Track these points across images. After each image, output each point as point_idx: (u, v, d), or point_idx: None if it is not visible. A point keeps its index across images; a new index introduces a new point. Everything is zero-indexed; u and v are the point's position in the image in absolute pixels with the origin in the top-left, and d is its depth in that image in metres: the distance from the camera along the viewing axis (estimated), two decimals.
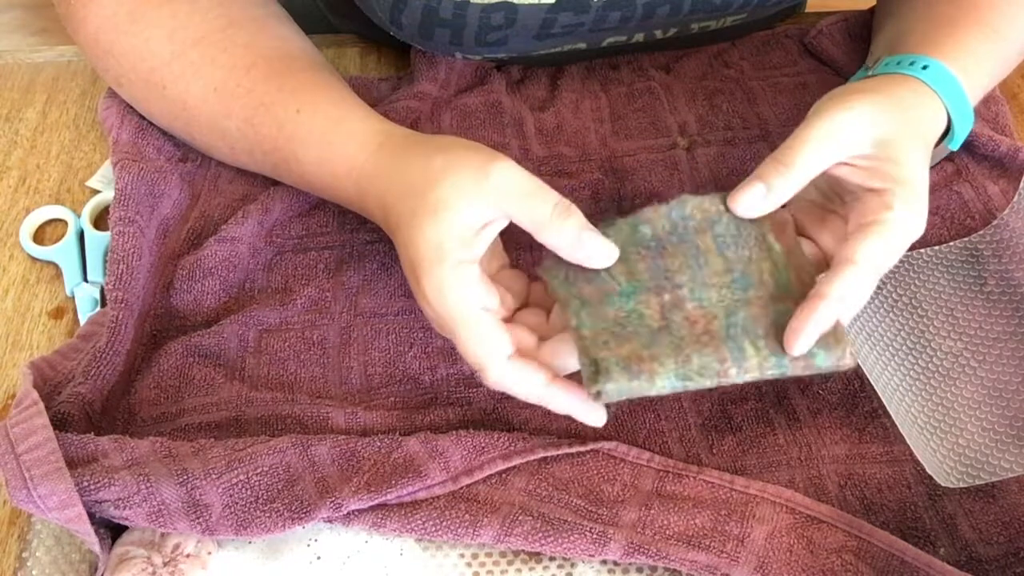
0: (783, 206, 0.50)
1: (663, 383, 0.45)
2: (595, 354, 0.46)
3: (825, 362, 0.46)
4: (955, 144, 0.57)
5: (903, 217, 0.48)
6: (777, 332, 0.46)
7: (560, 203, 0.48)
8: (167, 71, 0.60)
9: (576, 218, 0.48)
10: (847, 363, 0.46)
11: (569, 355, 0.48)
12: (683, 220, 0.50)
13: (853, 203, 0.50)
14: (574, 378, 0.48)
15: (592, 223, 0.48)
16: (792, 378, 0.55)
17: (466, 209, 0.47)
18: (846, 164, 0.50)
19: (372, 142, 0.55)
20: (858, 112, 0.49)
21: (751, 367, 0.46)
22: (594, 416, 0.49)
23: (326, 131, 0.56)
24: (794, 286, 0.48)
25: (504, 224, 0.49)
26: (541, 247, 0.49)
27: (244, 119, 0.58)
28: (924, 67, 0.54)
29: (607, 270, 0.49)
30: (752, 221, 0.50)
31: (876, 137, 0.49)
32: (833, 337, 0.46)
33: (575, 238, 0.47)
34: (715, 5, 0.64)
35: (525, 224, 0.48)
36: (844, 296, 0.46)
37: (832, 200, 0.53)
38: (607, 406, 0.54)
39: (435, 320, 0.49)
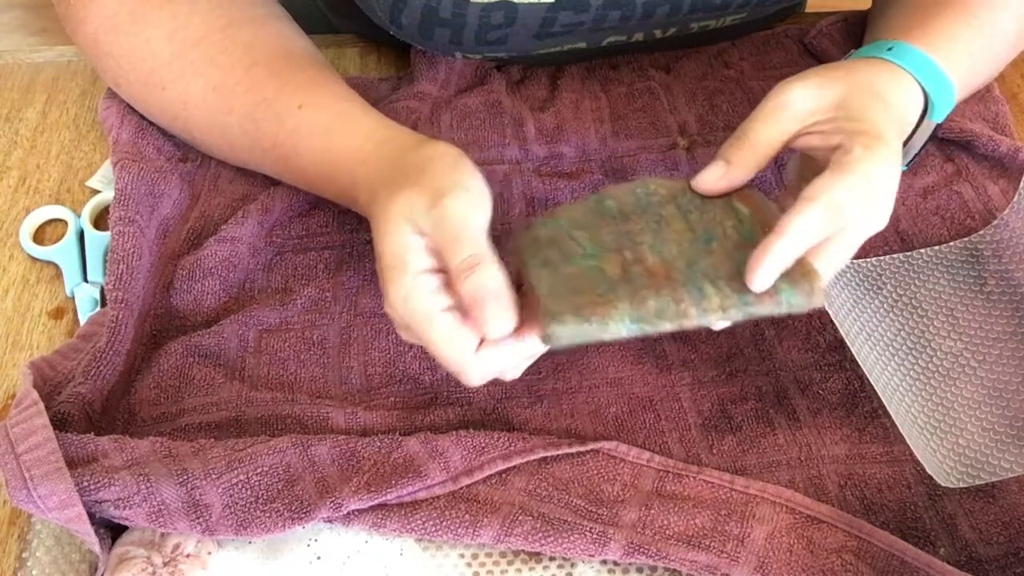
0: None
1: (617, 327, 0.45)
2: (550, 306, 0.45)
3: (792, 298, 0.45)
4: (937, 117, 0.57)
5: (862, 156, 0.48)
6: (741, 274, 0.46)
7: (469, 258, 0.46)
8: (167, 71, 0.60)
9: (476, 278, 0.46)
10: (816, 301, 0.46)
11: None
12: (647, 195, 0.51)
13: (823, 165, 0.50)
14: None
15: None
16: (792, 379, 0.55)
17: (415, 226, 0.47)
18: (809, 133, 0.51)
19: (373, 138, 0.55)
20: (806, 81, 0.51)
21: (711, 307, 0.45)
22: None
23: (328, 126, 0.56)
24: (759, 236, 0.47)
25: None
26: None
27: (245, 115, 0.59)
28: (889, 48, 0.55)
29: (572, 236, 0.49)
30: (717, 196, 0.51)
31: (830, 101, 0.50)
32: (800, 272, 0.46)
33: (471, 298, 0.46)
34: (715, 4, 0.64)
35: (440, 264, 0.47)
36: (801, 228, 0.46)
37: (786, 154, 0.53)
38: (608, 409, 0.54)
39: (404, 328, 0.49)
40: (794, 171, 0.55)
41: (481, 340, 0.47)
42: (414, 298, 0.47)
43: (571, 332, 0.45)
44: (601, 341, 0.45)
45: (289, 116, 0.57)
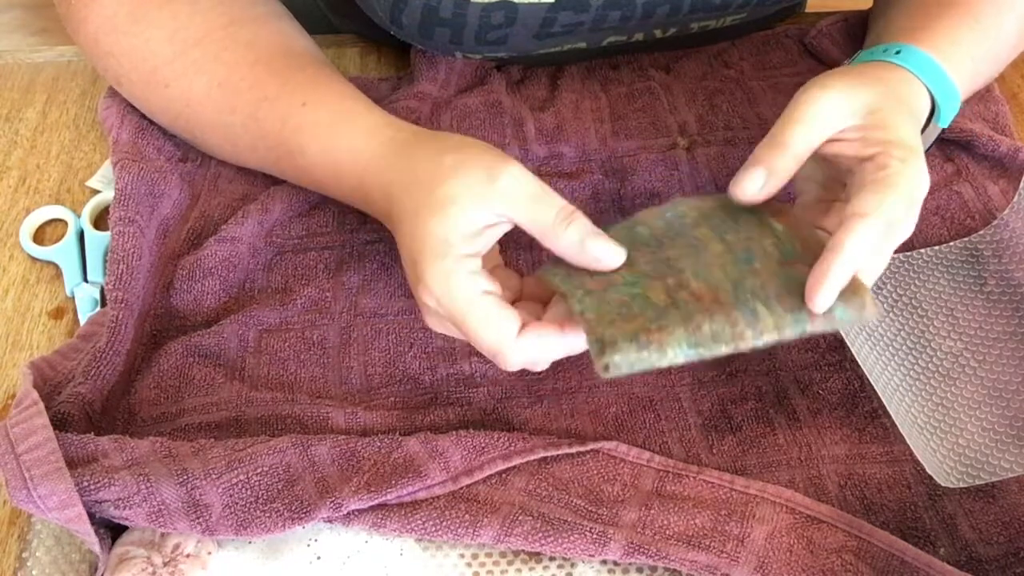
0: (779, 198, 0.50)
1: (674, 352, 0.44)
2: (601, 332, 0.45)
3: (845, 315, 0.45)
4: (943, 122, 0.57)
5: (901, 170, 0.48)
6: (790, 292, 0.46)
7: (563, 209, 0.48)
8: (169, 70, 0.60)
9: (579, 224, 0.48)
10: (869, 314, 0.45)
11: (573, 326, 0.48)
12: (678, 218, 0.50)
13: (851, 178, 0.50)
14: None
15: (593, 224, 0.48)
16: (792, 379, 0.55)
17: (473, 208, 0.47)
18: (837, 140, 0.50)
19: (380, 134, 0.55)
20: (834, 86, 0.50)
21: (766, 327, 0.45)
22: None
23: (332, 123, 0.56)
24: (801, 252, 0.47)
25: (508, 228, 0.49)
26: (541, 247, 0.49)
27: (248, 114, 0.59)
28: (897, 52, 0.55)
29: None
30: (749, 210, 0.50)
31: (860, 108, 0.50)
32: (851, 290, 0.45)
33: (579, 243, 0.48)
34: (715, 5, 0.64)
35: (530, 229, 0.48)
36: (858, 247, 0.46)
37: (833, 189, 0.53)
38: (608, 409, 0.54)
39: (438, 313, 0.49)
40: (811, 179, 0.54)
41: (522, 326, 0.48)
42: (456, 280, 0.47)
43: (630, 360, 0.44)
44: (654, 368, 0.45)
45: (292, 114, 0.57)
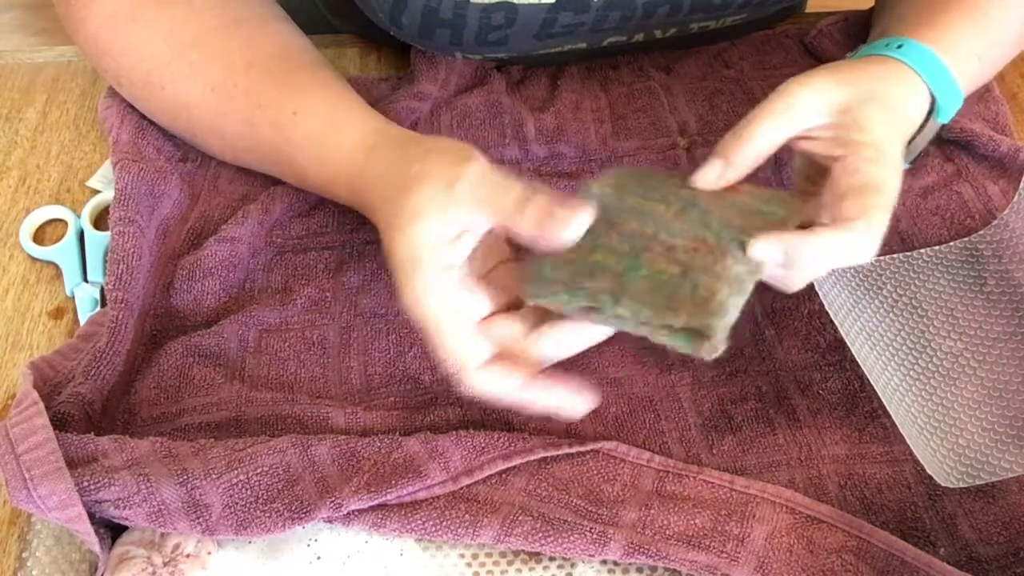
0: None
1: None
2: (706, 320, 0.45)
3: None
4: (943, 117, 0.57)
5: (872, 175, 0.48)
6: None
7: (520, 192, 0.47)
8: (166, 71, 0.60)
9: (536, 200, 0.47)
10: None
11: (555, 343, 0.48)
12: (602, 199, 0.51)
13: (826, 179, 0.50)
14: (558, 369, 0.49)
15: None
16: (792, 379, 0.55)
17: (438, 218, 0.47)
18: (808, 137, 0.51)
19: (364, 145, 0.55)
20: (813, 84, 0.51)
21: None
22: (577, 405, 0.48)
23: (322, 134, 0.56)
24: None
25: (484, 229, 0.48)
26: None
27: (242, 119, 0.59)
28: (899, 46, 0.55)
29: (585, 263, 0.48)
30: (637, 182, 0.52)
31: (833, 105, 0.50)
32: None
33: (539, 219, 0.46)
34: (715, 5, 0.64)
35: (497, 224, 0.48)
36: (836, 258, 0.48)
37: (817, 183, 0.53)
38: (608, 409, 0.54)
39: (417, 324, 0.49)
40: (798, 171, 0.55)
41: (494, 357, 0.48)
42: (429, 297, 0.47)
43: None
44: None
45: (284, 124, 0.57)
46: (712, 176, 0.51)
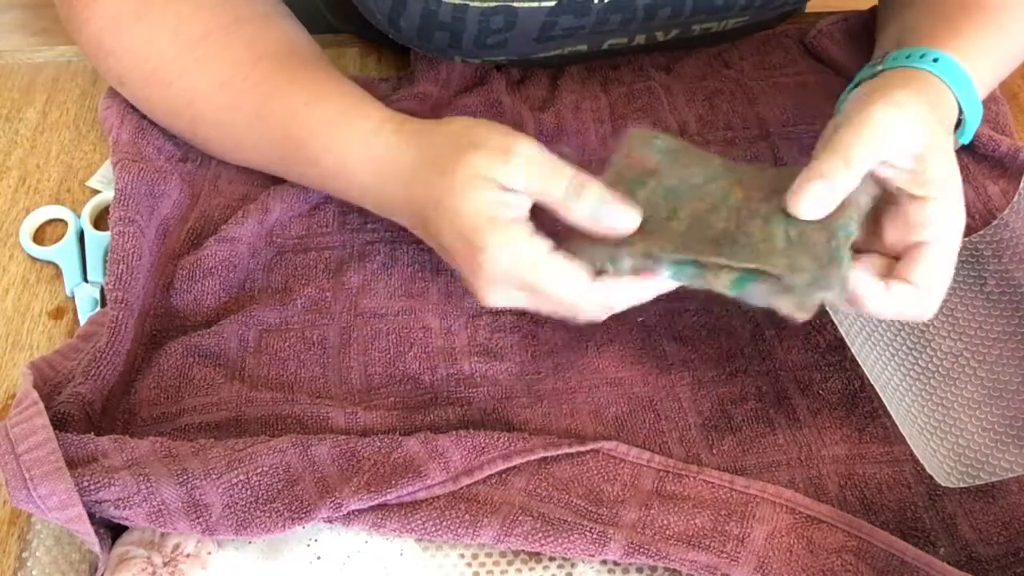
0: None
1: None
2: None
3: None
4: (965, 138, 0.57)
5: (945, 225, 0.49)
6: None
7: (574, 179, 0.48)
8: (171, 68, 0.60)
9: (590, 192, 0.48)
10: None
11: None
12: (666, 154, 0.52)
13: (894, 207, 0.50)
14: None
15: None
16: (792, 379, 0.55)
17: (499, 179, 0.48)
18: (890, 166, 0.49)
19: (388, 127, 0.55)
20: (907, 108, 0.49)
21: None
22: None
23: (337, 119, 0.56)
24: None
25: (528, 205, 0.50)
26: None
27: (251, 112, 0.59)
28: (935, 60, 0.54)
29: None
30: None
31: (922, 136, 0.49)
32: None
33: (591, 213, 0.48)
34: (716, 7, 0.64)
35: (545, 203, 0.49)
36: (896, 306, 0.48)
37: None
38: (608, 409, 0.54)
39: (505, 281, 0.49)
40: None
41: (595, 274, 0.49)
42: (519, 244, 0.48)
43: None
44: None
45: (297, 112, 0.57)
46: (815, 198, 0.47)
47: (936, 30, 0.58)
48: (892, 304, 0.48)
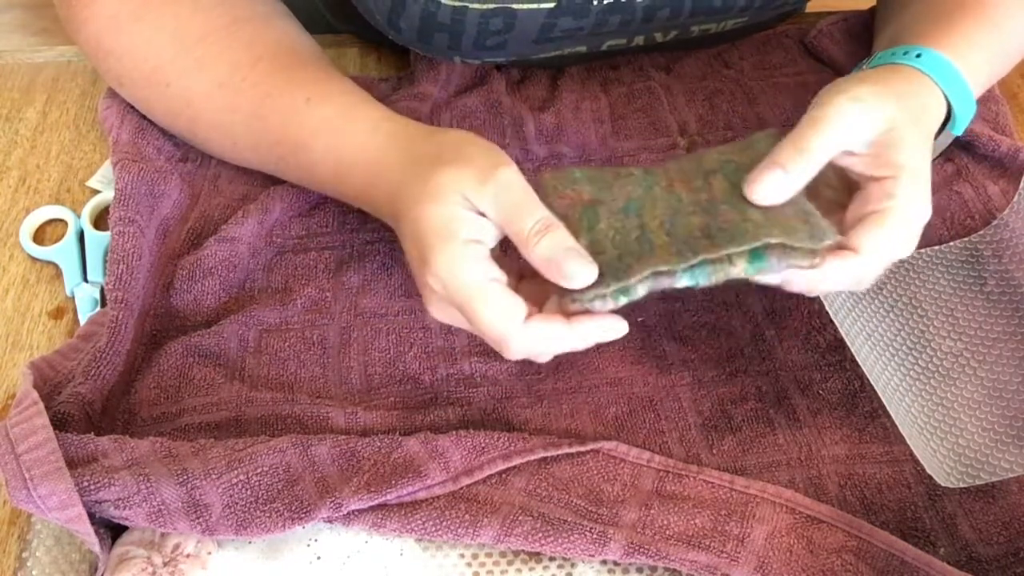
0: None
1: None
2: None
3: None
4: (957, 129, 0.57)
5: (905, 204, 0.49)
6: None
7: (541, 221, 0.47)
8: (170, 68, 0.60)
9: (550, 239, 0.47)
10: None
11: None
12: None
13: (857, 193, 0.51)
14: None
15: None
16: (792, 379, 0.55)
17: (469, 198, 0.48)
18: (850, 154, 0.50)
19: (386, 129, 0.55)
20: (865, 99, 0.50)
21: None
22: (616, 326, 0.48)
23: (336, 119, 0.56)
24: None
25: (498, 235, 0.49)
26: None
27: (250, 112, 0.59)
28: (917, 55, 0.55)
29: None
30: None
31: (881, 125, 0.50)
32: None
33: (550, 256, 0.47)
34: (715, 8, 0.64)
35: (509, 235, 0.48)
36: (842, 282, 0.48)
37: (842, 193, 0.53)
38: (608, 409, 0.54)
39: (444, 299, 0.49)
40: (823, 181, 0.54)
41: (528, 314, 0.48)
42: (462, 265, 0.47)
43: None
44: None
45: (296, 111, 0.57)
46: (773, 187, 0.48)
47: (929, 28, 0.58)
48: (825, 276, 0.48)
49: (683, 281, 0.46)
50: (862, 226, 0.49)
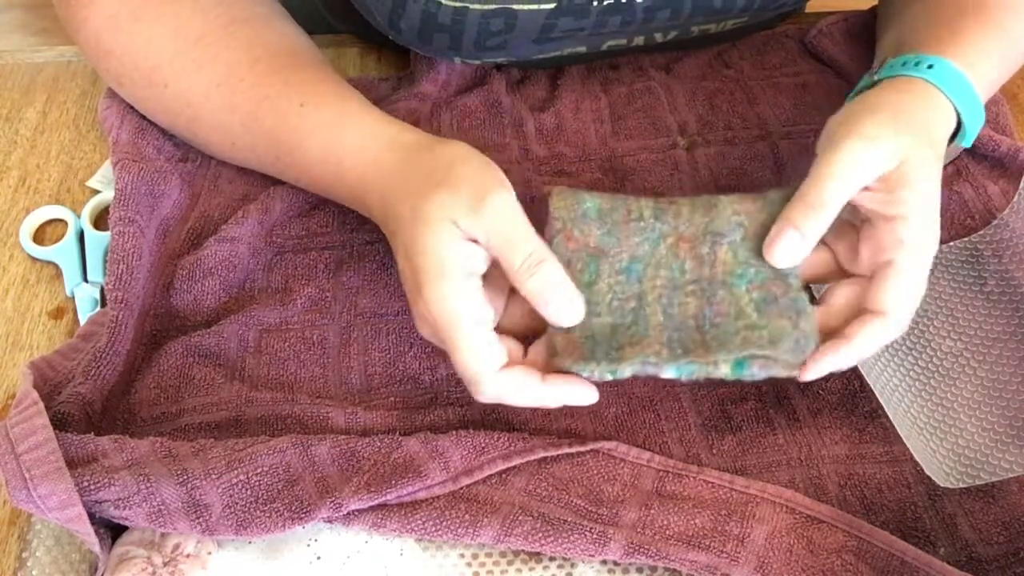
0: None
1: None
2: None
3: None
4: (967, 142, 0.56)
5: (918, 249, 0.48)
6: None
7: (532, 256, 0.47)
8: (169, 69, 0.60)
9: (540, 276, 0.47)
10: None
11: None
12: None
13: (867, 226, 0.50)
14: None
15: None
16: (792, 379, 0.55)
17: (462, 226, 0.48)
18: (867, 190, 0.49)
19: (383, 134, 0.55)
20: (878, 140, 0.49)
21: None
22: (587, 395, 0.49)
23: (332, 123, 0.56)
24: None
25: (487, 254, 0.49)
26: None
27: (248, 112, 0.59)
28: (930, 66, 0.54)
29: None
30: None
31: (892, 163, 0.49)
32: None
33: (540, 291, 0.47)
34: (715, 8, 0.64)
35: (502, 265, 0.48)
36: (868, 344, 0.48)
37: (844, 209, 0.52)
38: (608, 409, 0.54)
39: (429, 328, 0.49)
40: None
41: (508, 362, 0.48)
42: (453, 304, 0.47)
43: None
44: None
45: (292, 114, 0.57)
46: (788, 249, 0.49)
47: (936, 33, 0.57)
48: (864, 345, 0.48)
49: (669, 373, 0.48)
50: (882, 284, 0.48)
